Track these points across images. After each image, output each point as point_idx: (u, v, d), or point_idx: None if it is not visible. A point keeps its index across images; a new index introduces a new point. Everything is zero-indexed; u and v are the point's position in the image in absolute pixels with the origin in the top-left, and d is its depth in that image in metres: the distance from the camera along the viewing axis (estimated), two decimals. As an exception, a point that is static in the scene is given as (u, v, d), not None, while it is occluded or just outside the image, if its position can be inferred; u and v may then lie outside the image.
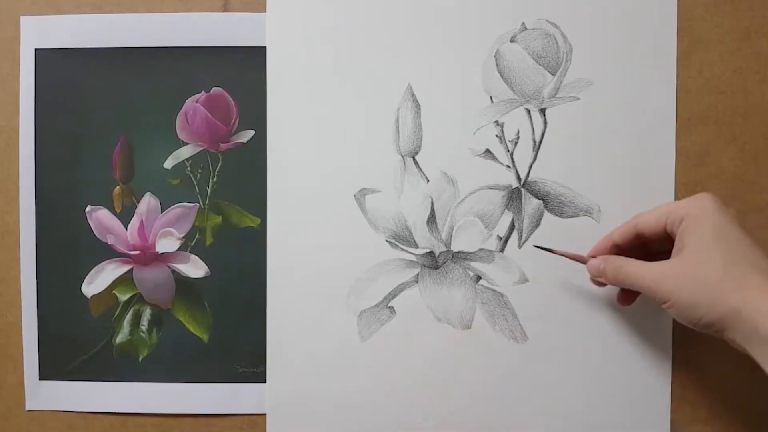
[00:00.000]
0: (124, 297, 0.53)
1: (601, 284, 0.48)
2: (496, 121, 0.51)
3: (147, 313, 0.53)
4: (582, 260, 0.48)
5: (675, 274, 0.42)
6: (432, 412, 0.51)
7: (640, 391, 0.51)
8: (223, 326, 0.52)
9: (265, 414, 0.52)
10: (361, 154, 0.51)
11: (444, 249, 0.51)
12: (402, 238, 0.51)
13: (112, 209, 0.52)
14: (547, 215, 0.51)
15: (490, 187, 0.51)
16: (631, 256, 0.45)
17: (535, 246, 0.50)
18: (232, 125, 0.52)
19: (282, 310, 0.51)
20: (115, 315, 0.53)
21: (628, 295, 0.48)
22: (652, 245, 0.46)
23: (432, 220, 0.51)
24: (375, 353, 0.51)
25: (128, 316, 0.53)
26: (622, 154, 0.50)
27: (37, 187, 0.52)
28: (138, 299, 0.53)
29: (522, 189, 0.51)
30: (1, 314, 0.53)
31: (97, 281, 0.52)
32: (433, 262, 0.51)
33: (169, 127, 0.52)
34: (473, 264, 0.51)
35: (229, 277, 0.52)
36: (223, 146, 0.52)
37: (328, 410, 0.51)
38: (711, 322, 0.40)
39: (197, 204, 0.52)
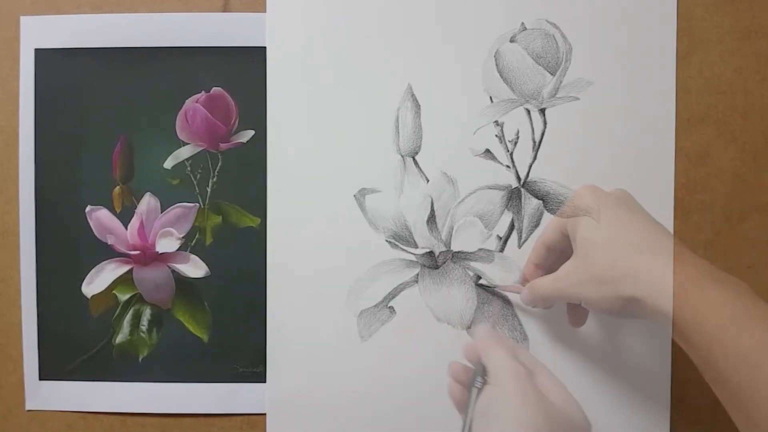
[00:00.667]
0: (124, 297, 0.53)
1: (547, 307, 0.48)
2: (496, 121, 0.51)
3: (147, 313, 0.53)
4: (517, 291, 0.49)
5: (576, 278, 0.42)
6: (432, 412, 0.51)
7: (640, 391, 0.50)
8: (223, 326, 0.52)
9: (264, 414, 0.52)
10: (361, 154, 0.51)
11: (444, 249, 0.51)
12: (402, 238, 0.51)
13: (112, 209, 0.52)
14: (546, 215, 0.51)
15: (489, 187, 0.51)
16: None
17: (479, 285, 0.51)
18: (232, 125, 0.52)
19: (282, 310, 0.52)
20: (115, 315, 0.53)
21: (573, 315, 0.48)
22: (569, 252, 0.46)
23: (432, 220, 0.51)
24: (375, 353, 0.51)
25: (128, 316, 0.53)
26: (622, 154, 0.50)
27: (37, 187, 0.52)
28: (138, 299, 0.53)
29: (522, 189, 0.51)
30: (0, 314, 0.53)
31: (97, 281, 0.52)
32: (432, 262, 0.51)
33: (169, 127, 0.52)
34: (473, 264, 0.51)
35: (229, 277, 0.52)
36: (223, 146, 0.52)
37: (328, 410, 0.51)
38: (621, 311, 0.40)
39: (197, 204, 0.52)
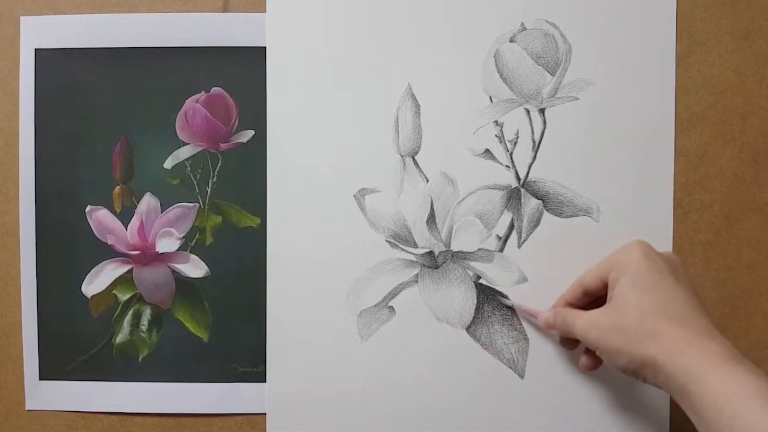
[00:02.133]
0: (124, 297, 0.53)
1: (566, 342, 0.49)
2: (496, 121, 0.51)
3: (147, 313, 0.53)
4: (536, 314, 0.49)
5: (601, 323, 0.42)
6: (432, 412, 0.51)
7: (640, 391, 0.50)
8: (222, 326, 0.52)
9: (265, 414, 0.52)
10: (360, 154, 0.51)
11: (443, 249, 0.51)
12: (402, 238, 0.51)
13: (112, 209, 0.52)
14: (546, 215, 0.51)
15: (489, 187, 0.51)
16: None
17: (481, 283, 0.51)
18: (231, 125, 0.52)
19: (282, 309, 0.52)
20: (115, 315, 0.53)
21: (589, 360, 0.48)
22: (602, 300, 0.46)
23: (431, 219, 0.51)
24: (375, 353, 0.51)
25: (128, 316, 0.53)
26: (621, 154, 0.50)
27: (37, 187, 0.52)
28: (138, 299, 0.53)
29: (521, 189, 0.51)
30: (1, 314, 0.53)
31: (97, 281, 0.52)
32: (432, 261, 0.51)
33: (169, 127, 0.52)
34: (473, 264, 0.51)
35: (228, 277, 0.52)
36: (223, 146, 0.52)
37: (328, 410, 0.51)
38: (635, 369, 0.41)
39: (197, 204, 0.52)
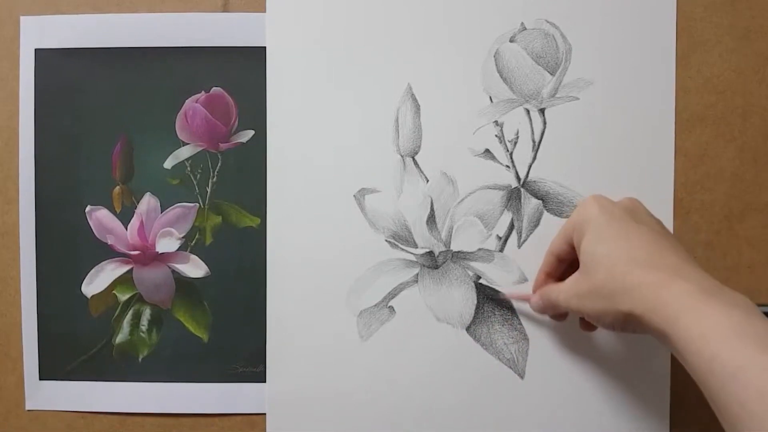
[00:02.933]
0: (123, 297, 0.53)
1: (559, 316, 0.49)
2: (496, 121, 0.51)
3: (147, 313, 0.53)
4: (527, 299, 0.49)
5: (578, 291, 0.42)
6: (432, 412, 0.51)
7: (640, 391, 0.50)
8: (222, 326, 0.52)
9: (264, 414, 0.52)
10: (360, 154, 0.51)
11: (443, 249, 0.51)
12: (401, 238, 0.51)
13: (111, 209, 0.52)
14: (546, 215, 0.51)
15: (489, 187, 0.51)
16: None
17: (481, 283, 0.51)
18: (231, 125, 0.52)
19: (282, 309, 0.52)
20: (115, 315, 0.53)
21: (584, 323, 0.48)
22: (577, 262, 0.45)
23: (431, 219, 0.51)
24: (375, 353, 0.51)
25: (128, 316, 0.53)
26: (621, 154, 0.50)
27: (37, 187, 0.52)
28: (138, 299, 0.53)
29: (521, 189, 0.51)
30: (0, 314, 0.53)
31: (97, 281, 0.52)
32: (432, 261, 0.51)
33: (168, 127, 0.52)
34: (473, 264, 0.51)
35: (228, 277, 0.52)
36: (223, 146, 0.52)
37: (328, 410, 0.51)
38: (622, 326, 0.40)
39: (197, 204, 0.52)
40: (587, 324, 0.47)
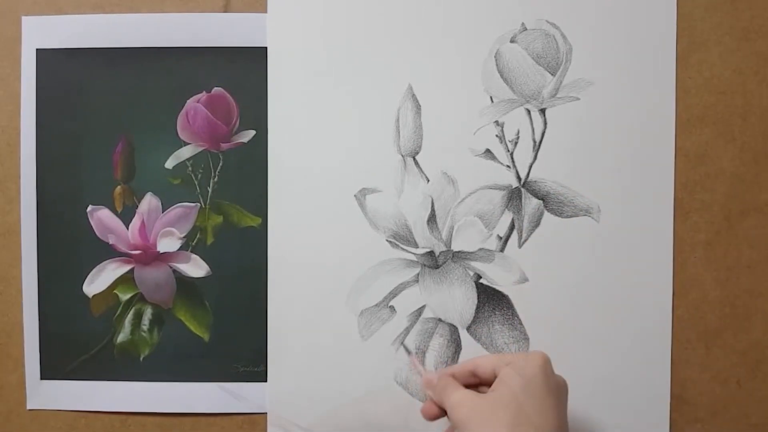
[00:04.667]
0: (125, 296, 0.53)
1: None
2: (496, 121, 0.51)
3: (148, 313, 0.53)
4: (421, 373, 0.49)
5: (474, 407, 0.42)
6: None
7: (640, 391, 0.51)
8: (223, 326, 0.52)
9: (265, 413, 0.52)
10: (361, 154, 0.51)
11: (444, 248, 0.51)
12: (402, 238, 0.51)
13: (113, 209, 0.52)
14: (547, 215, 0.51)
15: (490, 187, 0.51)
16: None
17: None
18: (233, 125, 0.52)
19: (282, 309, 0.52)
20: (116, 314, 0.53)
21: (431, 408, 0.47)
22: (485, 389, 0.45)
23: (432, 219, 0.51)
24: (375, 352, 0.51)
25: (129, 316, 0.53)
26: (622, 154, 0.51)
27: (39, 186, 0.52)
28: (139, 299, 0.53)
29: (522, 189, 0.51)
30: (2, 314, 0.53)
31: (98, 281, 0.52)
32: (433, 261, 0.51)
33: (170, 127, 0.52)
34: (473, 263, 0.51)
35: (229, 277, 0.52)
36: (224, 146, 0.52)
37: (328, 410, 0.51)
38: None
39: (198, 204, 0.52)
40: (432, 412, 0.46)
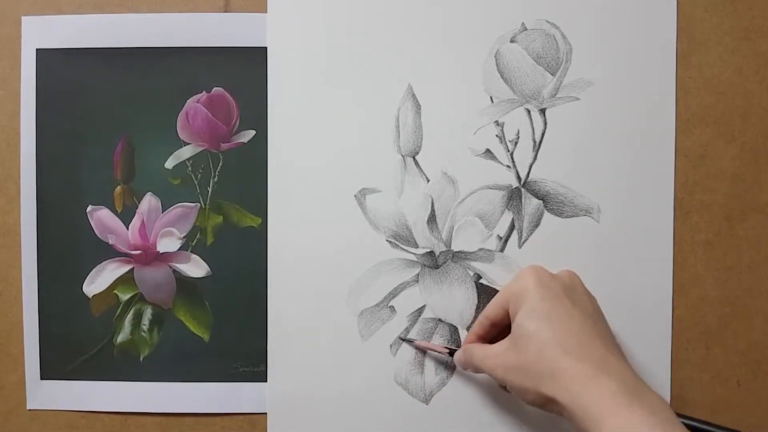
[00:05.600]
0: (125, 297, 0.53)
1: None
2: (497, 121, 0.51)
3: (148, 313, 0.53)
4: (447, 352, 0.49)
5: (505, 362, 0.42)
6: (433, 411, 0.51)
7: (640, 390, 0.51)
8: (223, 326, 0.52)
9: (265, 413, 0.52)
10: (361, 154, 0.51)
11: (444, 249, 0.51)
12: (402, 238, 0.51)
13: (113, 209, 0.52)
14: (547, 215, 0.51)
15: (490, 187, 0.51)
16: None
17: (400, 338, 0.51)
18: (232, 125, 0.52)
19: (283, 309, 0.52)
20: (116, 314, 0.53)
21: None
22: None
23: (432, 219, 0.51)
24: (375, 352, 0.51)
25: (129, 316, 0.53)
26: (622, 154, 0.51)
27: (38, 186, 0.52)
28: (139, 299, 0.53)
29: (522, 189, 0.51)
30: (2, 314, 0.53)
31: (98, 281, 0.52)
32: (433, 261, 0.51)
33: (170, 127, 0.52)
34: (473, 264, 0.51)
35: (229, 277, 0.52)
36: (224, 146, 0.52)
37: (328, 410, 0.52)
38: (542, 406, 0.41)
39: (198, 204, 0.52)
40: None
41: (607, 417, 0.36)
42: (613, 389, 0.37)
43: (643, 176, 0.51)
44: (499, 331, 0.47)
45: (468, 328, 0.51)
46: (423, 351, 0.51)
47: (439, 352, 0.50)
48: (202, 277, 0.52)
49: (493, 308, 0.46)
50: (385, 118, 0.51)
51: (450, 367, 0.51)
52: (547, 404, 0.40)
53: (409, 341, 0.51)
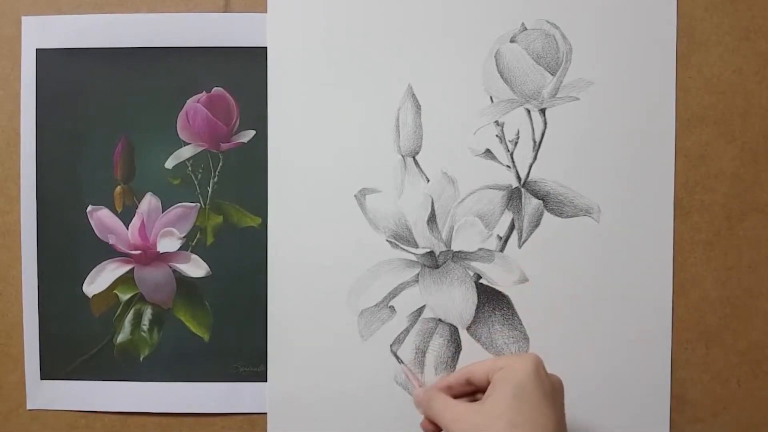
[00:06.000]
0: (125, 297, 0.53)
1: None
2: (496, 121, 0.51)
3: (148, 313, 0.53)
4: (415, 384, 0.50)
5: (466, 420, 0.42)
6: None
7: (640, 391, 0.51)
8: (223, 326, 0.52)
9: (265, 413, 0.52)
10: (361, 154, 0.51)
11: (444, 249, 0.51)
12: (402, 238, 0.51)
13: (113, 209, 0.52)
14: (547, 215, 0.51)
15: (490, 187, 0.51)
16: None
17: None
18: (232, 125, 0.52)
19: (283, 309, 0.52)
20: (116, 315, 0.53)
21: (428, 427, 0.47)
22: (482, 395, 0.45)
23: (432, 219, 0.51)
24: (375, 352, 0.51)
25: (129, 316, 0.53)
26: (622, 154, 0.51)
27: (38, 186, 0.52)
28: (139, 299, 0.53)
29: (522, 189, 0.51)
30: (2, 314, 0.53)
31: (98, 281, 0.52)
32: (433, 261, 0.51)
33: (170, 127, 0.52)
34: (473, 264, 0.51)
35: (229, 277, 0.52)
36: (224, 146, 0.52)
37: (328, 410, 0.52)
38: None
39: (198, 204, 0.52)
40: (428, 426, 0.47)
41: None
42: None
43: (643, 176, 0.51)
44: (469, 392, 0.46)
45: (468, 329, 0.51)
46: (422, 352, 0.51)
47: (413, 383, 0.50)
48: (202, 277, 0.52)
49: (477, 370, 0.45)
50: (385, 118, 0.51)
51: (450, 367, 0.51)
52: None
53: (400, 361, 0.51)
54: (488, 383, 0.44)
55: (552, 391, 0.42)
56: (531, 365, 0.42)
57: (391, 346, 0.51)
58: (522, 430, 0.40)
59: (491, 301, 0.51)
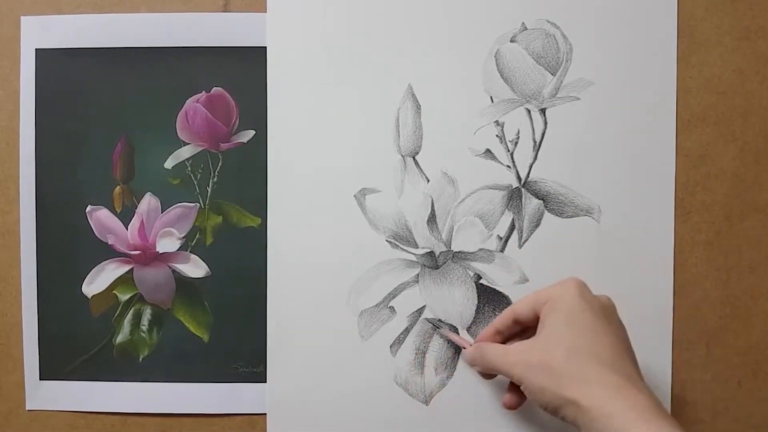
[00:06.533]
0: (124, 297, 0.53)
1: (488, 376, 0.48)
2: (497, 121, 0.51)
3: (147, 313, 0.53)
4: (464, 345, 0.49)
5: (526, 360, 0.42)
6: (433, 411, 0.51)
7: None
8: (223, 326, 0.52)
9: (265, 414, 0.52)
10: (361, 154, 0.51)
11: (444, 249, 0.51)
12: (402, 238, 0.51)
13: (112, 209, 0.52)
14: (547, 215, 0.51)
15: (490, 187, 0.51)
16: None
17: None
18: (232, 125, 0.52)
19: (282, 309, 0.52)
20: (116, 315, 0.53)
21: (512, 398, 0.46)
22: (532, 331, 0.45)
23: (432, 219, 0.51)
24: (375, 353, 0.51)
25: (128, 316, 0.53)
26: (622, 154, 0.51)
27: (38, 186, 0.52)
28: (138, 299, 0.53)
29: (522, 189, 0.51)
30: (1, 314, 0.53)
31: (98, 281, 0.52)
32: (433, 261, 0.51)
33: (169, 127, 0.52)
34: (473, 264, 0.51)
35: (229, 277, 0.52)
36: (224, 146, 0.52)
37: (328, 410, 0.51)
38: (556, 408, 0.40)
39: (197, 204, 0.52)
40: (513, 401, 0.46)
41: (633, 428, 0.36)
42: (643, 404, 0.37)
43: (643, 176, 0.50)
44: (518, 331, 0.46)
45: (468, 329, 0.51)
46: (422, 353, 0.51)
47: (457, 342, 0.50)
48: (202, 278, 0.52)
49: (522, 307, 0.45)
50: (385, 118, 0.51)
51: (450, 368, 0.51)
52: (562, 407, 0.40)
53: (438, 327, 0.51)
54: (535, 318, 0.44)
55: (602, 310, 0.42)
56: (575, 290, 0.42)
57: (390, 346, 0.51)
58: (585, 354, 0.40)
59: (491, 301, 0.51)
